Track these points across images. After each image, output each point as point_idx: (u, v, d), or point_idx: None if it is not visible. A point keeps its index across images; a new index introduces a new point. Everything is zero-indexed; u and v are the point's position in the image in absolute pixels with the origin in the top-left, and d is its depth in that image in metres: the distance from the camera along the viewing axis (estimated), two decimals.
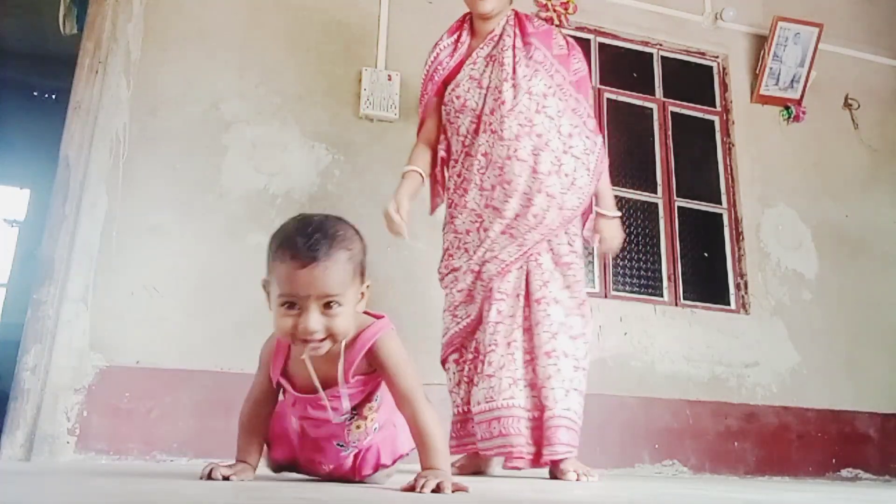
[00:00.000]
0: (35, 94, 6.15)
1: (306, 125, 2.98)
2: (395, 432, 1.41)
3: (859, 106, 3.95)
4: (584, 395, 2.03)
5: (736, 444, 3.19)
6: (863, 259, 3.72)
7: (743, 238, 3.56)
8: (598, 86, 3.61)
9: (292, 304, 1.17)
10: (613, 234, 2.25)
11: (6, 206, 6.25)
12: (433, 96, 2.27)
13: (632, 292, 3.34)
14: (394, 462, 1.42)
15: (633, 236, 3.45)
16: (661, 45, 3.77)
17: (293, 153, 2.93)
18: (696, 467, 3.09)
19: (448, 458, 1.24)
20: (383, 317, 1.32)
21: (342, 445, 1.37)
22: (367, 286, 1.27)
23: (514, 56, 2.13)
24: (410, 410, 1.25)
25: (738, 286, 3.51)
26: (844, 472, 3.33)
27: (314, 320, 1.16)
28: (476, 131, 2.14)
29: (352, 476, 1.40)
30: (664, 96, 3.72)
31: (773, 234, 3.59)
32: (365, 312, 1.31)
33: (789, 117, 3.81)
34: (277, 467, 1.46)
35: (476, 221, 2.12)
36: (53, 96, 6.09)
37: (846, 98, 3.95)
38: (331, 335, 1.19)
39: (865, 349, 3.56)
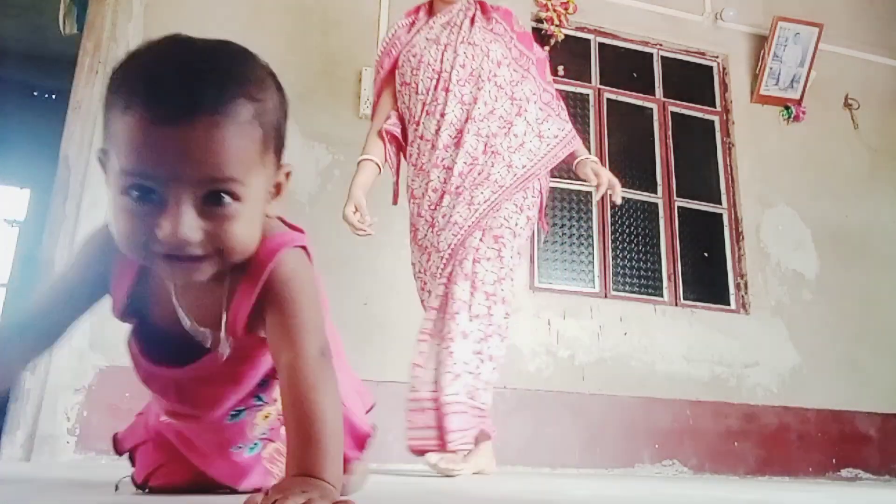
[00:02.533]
0: (35, 94, 6.14)
1: (306, 125, 2.98)
2: (346, 412, 0.91)
3: (859, 106, 3.95)
4: (488, 378, 1.90)
5: (736, 444, 3.18)
6: (863, 259, 3.72)
7: (743, 238, 3.56)
8: (598, 86, 3.61)
9: (147, 191, 0.66)
10: (601, 170, 2.14)
11: (6, 206, 6.24)
12: (388, 72, 2.23)
13: (632, 292, 3.34)
14: (361, 451, 0.98)
15: (633, 236, 3.45)
16: (661, 45, 3.77)
17: (293, 153, 2.93)
18: (696, 467, 3.09)
19: (339, 462, 0.70)
20: (302, 231, 0.84)
21: (240, 448, 0.92)
22: (288, 174, 0.82)
23: (473, 23, 2.16)
24: (293, 377, 0.72)
25: (738, 286, 3.51)
26: (844, 472, 3.33)
27: (188, 224, 0.66)
28: (436, 88, 2.11)
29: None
30: (664, 96, 3.72)
31: (773, 234, 3.59)
32: (282, 221, 0.84)
33: (789, 117, 3.81)
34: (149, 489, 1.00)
35: (430, 182, 2.08)
36: (53, 96, 6.08)
37: (846, 98, 3.95)
38: (218, 251, 0.70)
39: (865, 349, 3.55)
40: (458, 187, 2.02)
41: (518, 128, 2.08)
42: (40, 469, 1.73)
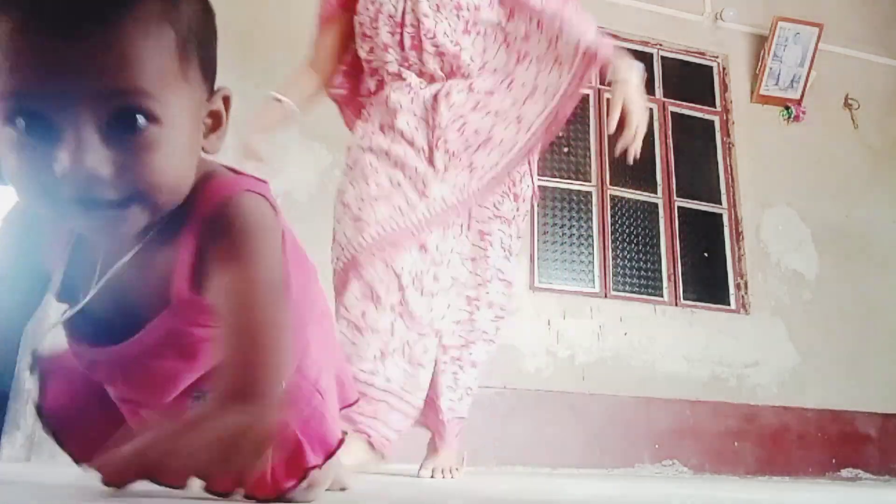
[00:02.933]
0: None
1: (306, 125, 2.98)
2: (320, 405, 0.75)
3: (859, 106, 3.95)
4: (469, 384, 1.70)
5: (736, 444, 3.18)
6: (863, 259, 3.72)
7: (743, 238, 3.56)
8: (598, 86, 3.61)
9: (36, 118, 0.52)
10: (634, 105, 1.72)
11: (6, 206, 6.25)
12: (337, 4, 1.76)
13: (632, 292, 3.34)
14: (326, 459, 0.74)
15: (633, 236, 3.45)
16: (661, 45, 3.77)
17: (293, 153, 2.93)
18: (696, 467, 3.09)
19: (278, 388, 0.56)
20: (264, 182, 0.69)
21: None
22: (226, 98, 0.67)
23: None
24: (235, 356, 0.55)
25: (738, 286, 3.51)
26: (844, 472, 3.33)
27: (92, 153, 0.52)
28: (401, 44, 1.67)
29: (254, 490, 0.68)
30: (664, 96, 3.72)
31: (773, 234, 3.59)
32: (232, 171, 0.68)
33: (789, 117, 3.81)
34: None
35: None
36: None
37: (846, 98, 3.95)
38: (139, 191, 0.55)
39: (865, 349, 3.55)
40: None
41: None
42: (40, 469, 1.73)
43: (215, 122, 0.65)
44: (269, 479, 0.69)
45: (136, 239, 0.61)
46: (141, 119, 0.53)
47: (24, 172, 0.53)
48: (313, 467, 0.71)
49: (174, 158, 0.56)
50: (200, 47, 0.60)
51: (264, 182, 0.68)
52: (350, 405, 0.90)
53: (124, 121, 0.53)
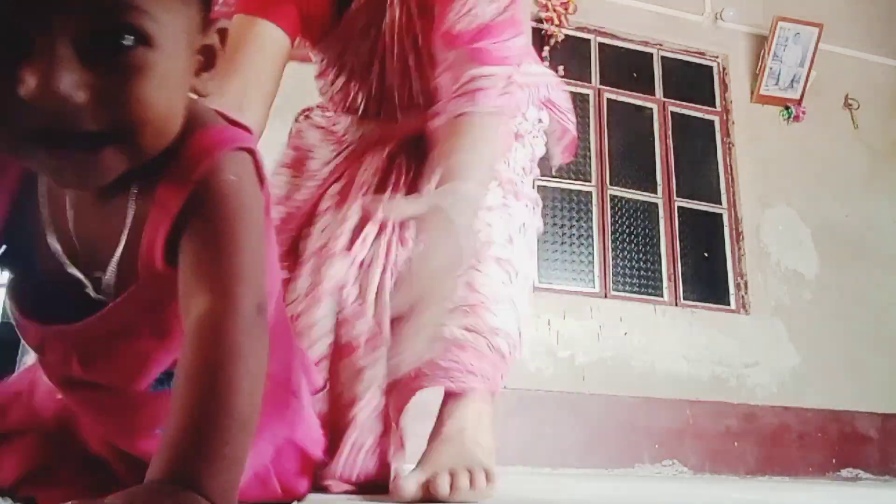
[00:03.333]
0: None
1: None
2: (294, 405, 0.69)
3: (859, 106, 3.95)
4: None
5: (736, 444, 3.18)
6: (863, 259, 3.72)
7: (743, 238, 3.56)
8: (598, 86, 3.61)
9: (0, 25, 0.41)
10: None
11: None
12: None
13: (632, 292, 3.34)
14: (303, 474, 0.70)
15: (633, 236, 3.45)
16: (661, 45, 3.77)
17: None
18: (696, 467, 3.09)
19: (236, 478, 0.43)
20: (249, 130, 0.56)
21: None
22: (223, 32, 0.54)
23: None
24: (208, 333, 0.46)
25: (738, 286, 3.51)
26: (844, 472, 3.33)
27: (67, 73, 0.41)
28: None
29: None
30: (664, 96, 3.72)
31: (773, 234, 3.59)
32: (221, 115, 0.56)
33: (789, 117, 3.81)
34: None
35: None
36: None
37: (846, 98, 3.95)
38: (121, 128, 0.45)
39: (865, 349, 3.55)
40: None
41: None
42: None
43: (209, 58, 0.53)
44: (280, 492, 0.65)
45: (107, 191, 0.49)
46: (129, 38, 0.43)
47: None
48: (300, 494, 0.67)
49: (165, 91, 0.45)
50: None
51: (250, 132, 0.56)
52: (319, 390, 0.85)
53: (109, 38, 0.43)
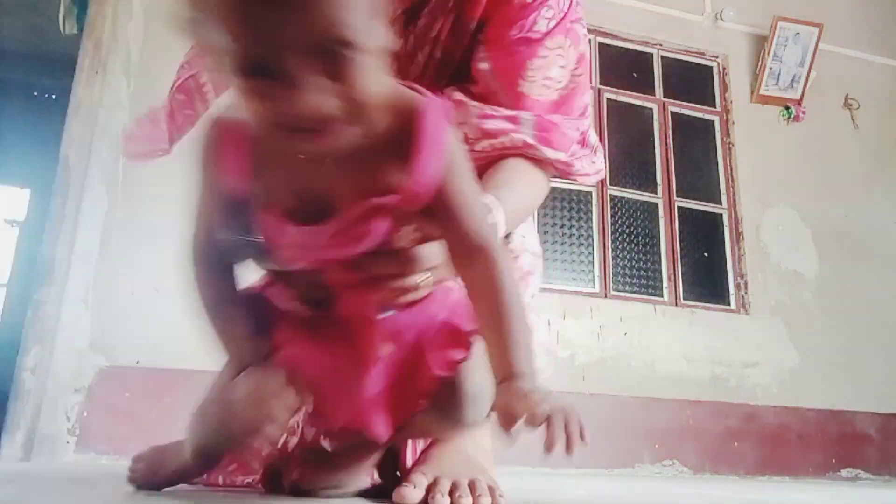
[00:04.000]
0: (35, 94, 6.14)
1: None
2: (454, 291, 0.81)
3: (859, 106, 3.95)
4: None
5: (736, 444, 3.18)
6: (863, 259, 3.72)
7: (743, 238, 3.56)
8: (598, 86, 3.61)
9: (261, 66, 0.58)
10: None
11: (6, 206, 6.24)
12: None
13: (632, 292, 3.34)
14: (466, 340, 0.79)
15: (633, 236, 3.45)
16: (661, 45, 3.77)
17: None
18: (696, 467, 3.09)
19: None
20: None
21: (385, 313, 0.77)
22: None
23: None
24: (482, 263, 0.70)
25: (738, 286, 3.51)
26: (844, 472, 3.33)
27: (312, 95, 0.58)
28: None
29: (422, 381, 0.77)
30: (664, 96, 3.72)
31: (773, 234, 3.59)
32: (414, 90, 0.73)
33: (789, 117, 3.81)
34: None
35: None
36: (53, 96, 6.08)
37: (846, 98, 3.95)
38: (346, 108, 0.61)
39: (865, 349, 3.56)
40: None
41: None
42: (40, 469, 1.73)
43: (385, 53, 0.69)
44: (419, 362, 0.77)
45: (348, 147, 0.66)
46: (347, 52, 0.59)
47: (254, 111, 0.61)
48: (463, 341, 0.79)
49: (372, 80, 0.62)
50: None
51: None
52: None
53: (334, 56, 0.59)
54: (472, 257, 0.71)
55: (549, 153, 1.05)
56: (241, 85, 0.60)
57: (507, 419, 0.67)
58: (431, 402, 0.79)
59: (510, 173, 1.02)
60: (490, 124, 1.02)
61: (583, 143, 1.12)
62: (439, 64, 1.12)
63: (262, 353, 0.78)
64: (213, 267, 0.81)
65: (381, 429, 0.78)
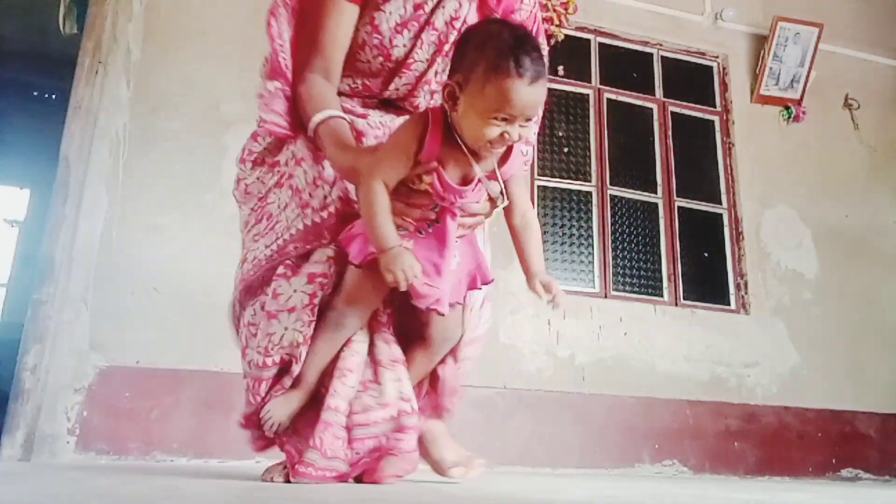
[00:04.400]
0: (35, 94, 6.15)
1: None
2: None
3: (859, 106, 3.95)
4: None
5: (736, 444, 3.18)
6: (863, 259, 3.72)
7: (743, 238, 3.56)
8: (598, 86, 3.61)
9: (506, 117, 1.12)
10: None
11: (6, 206, 6.25)
12: None
13: (632, 292, 3.34)
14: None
15: (633, 236, 3.45)
16: (661, 45, 3.77)
17: None
18: (696, 467, 3.09)
19: None
20: None
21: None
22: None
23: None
24: (530, 215, 1.31)
25: (738, 286, 3.51)
26: (844, 472, 3.33)
27: (518, 130, 1.15)
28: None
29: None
30: (664, 96, 3.72)
31: (773, 234, 3.59)
32: None
33: (789, 117, 3.81)
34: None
35: None
36: (53, 96, 6.09)
37: (846, 98, 3.95)
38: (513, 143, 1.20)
39: (865, 349, 3.56)
40: None
41: None
42: (40, 469, 1.73)
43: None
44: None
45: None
46: (532, 119, 1.18)
47: (488, 134, 1.16)
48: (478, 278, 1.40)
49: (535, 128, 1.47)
50: None
51: None
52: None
53: (528, 119, 1.16)
54: (527, 214, 1.31)
55: None
56: (488, 121, 1.13)
57: (547, 287, 1.22)
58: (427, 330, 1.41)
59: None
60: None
61: None
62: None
63: (398, 240, 1.20)
64: (384, 187, 1.20)
65: (445, 300, 1.28)
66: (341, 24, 1.42)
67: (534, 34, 1.30)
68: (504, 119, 1.12)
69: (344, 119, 1.35)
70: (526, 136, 1.17)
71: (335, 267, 1.33)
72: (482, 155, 1.20)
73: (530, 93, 1.11)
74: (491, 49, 1.11)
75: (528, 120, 1.14)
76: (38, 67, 5.82)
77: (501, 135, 1.13)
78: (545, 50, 1.25)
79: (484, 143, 1.16)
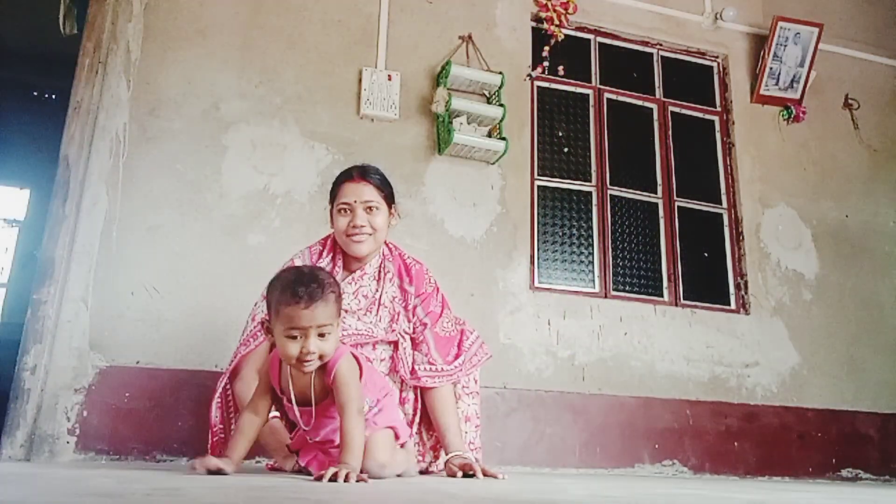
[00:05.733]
0: (35, 94, 6.15)
1: (306, 125, 2.99)
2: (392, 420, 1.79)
3: (859, 106, 3.95)
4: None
5: (736, 444, 3.19)
6: (863, 259, 3.72)
7: (743, 238, 3.56)
8: (598, 86, 3.61)
9: (296, 335, 1.48)
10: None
11: (6, 206, 6.24)
12: None
13: (632, 292, 3.34)
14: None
15: (633, 236, 3.45)
16: (661, 45, 3.77)
17: (293, 153, 2.93)
18: (696, 467, 3.09)
19: (360, 460, 1.47)
20: (347, 345, 1.67)
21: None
22: (342, 318, 1.66)
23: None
24: (343, 416, 1.51)
25: (738, 286, 3.51)
26: (844, 472, 3.33)
27: (312, 345, 1.47)
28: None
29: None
30: (664, 96, 3.73)
31: (773, 234, 3.60)
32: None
33: (789, 117, 3.81)
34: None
35: None
36: (53, 96, 6.09)
37: (846, 98, 3.96)
38: (321, 356, 1.50)
39: (865, 349, 3.56)
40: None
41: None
42: (40, 469, 1.73)
43: (338, 326, 1.57)
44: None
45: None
46: (327, 333, 1.50)
47: (289, 352, 1.49)
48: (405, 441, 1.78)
49: (334, 345, 1.53)
50: (340, 302, 1.57)
51: (349, 346, 1.67)
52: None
53: (322, 333, 1.49)
54: (339, 411, 1.53)
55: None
56: (287, 341, 1.49)
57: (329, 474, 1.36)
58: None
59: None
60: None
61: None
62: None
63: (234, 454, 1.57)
64: (248, 411, 1.62)
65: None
66: None
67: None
68: (294, 336, 1.47)
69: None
70: (323, 349, 1.48)
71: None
72: (301, 370, 1.51)
73: (307, 312, 1.46)
74: (278, 288, 1.51)
75: (322, 336, 1.48)
76: (38, 67, 5.82)
77: (300, 350, 1.47)
78: (330, 281, 1.54)
79: (292, 361, 1.49)
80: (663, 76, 3.75)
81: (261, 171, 2.86)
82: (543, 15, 3.45)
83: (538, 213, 3.30)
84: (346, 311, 1.96)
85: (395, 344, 1.99)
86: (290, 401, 1.57)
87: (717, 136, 3.76)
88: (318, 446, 1.63)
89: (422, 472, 1.99)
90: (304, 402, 1.58)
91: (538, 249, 3.25)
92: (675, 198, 3.56)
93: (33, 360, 2.41)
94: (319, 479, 1.34)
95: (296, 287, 1.47)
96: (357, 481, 1.34)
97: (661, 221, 3.51)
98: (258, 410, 1.59)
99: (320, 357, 1.49)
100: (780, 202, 3.67)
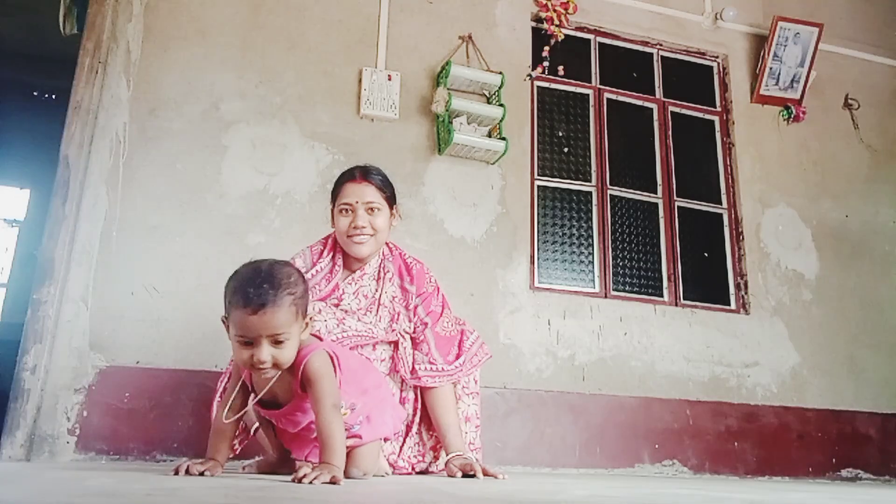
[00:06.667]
0: (35, 94, 6.15)
1: (306, 125, 2.99)
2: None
3: (859, 106, 3.95)
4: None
5: (736, 444, 3.19)
6: (863, 259, 3.72)
7: (743, 238, 3.56)
8: (598, 86, 3.61)
9: (248, 341, 1.37)
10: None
11: (6, 206, 6.24)
12: None
13: (632, 292, 3.34)
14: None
15: (633, 236, 3.45)
16: (661, 45, 3.77)
17: (293, 153, 2.93)
18: (696, 467, 3.09)
19: (343, 458, 1.39)
20: (322, 339, 1.55)
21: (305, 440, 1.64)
22: (310, 318, 1.48)
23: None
24: (319, 418, 1.41)
25: (738, 286, 3.51)
26: (844, 472, 3.33)
27: (264, 353, 1.36)
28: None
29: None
30: (664, 96, 3.73)
31: (773, 234, 3.60)
32: (312, 335, 1.53)
33: (789, 117, 3.81)
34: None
35: None
36: (53, 96, 6.09)
37: (846, 98, 3.96)
38: (276, 364, 1.39)
39: (865, 349, 3.56)
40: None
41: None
42: (40, 469, 1.73)
43: (306, 327, 1.47)
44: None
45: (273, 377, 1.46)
46: (282, 340, 1.38)
47: (239, 357, 1.42)
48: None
49: (291, 352, 1.42)
50: (304, 306, 1.45)
51: (322, 339, 1.56)
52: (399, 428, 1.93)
53: (277, 341, 1.38)
54: (314, 408, 1.46)
55: None
56: (237, 346, 1.40)
57: (307, 476, 1.29)
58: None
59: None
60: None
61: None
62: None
63: (218, 455, 1.52)
64: (222, 410, 1.53)
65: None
66: None
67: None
68: (245, 342, 1.37)
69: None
70: (278, 357, 1.38)
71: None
72: (260, 377, 1.43)
73: (255, 320, 1.34)
74: (230, 287, 1.40)
75: (278, 343, 1.37)
76: (38, 67, 5.82)
77: (250, 356, 1.37)
78: (289, 282, 1.40)
79: (247, 366, 1.40)
80: (663, 76, 3.75)
81: (261, 171, 2.86)
82: (543, 15, 3.45)
83: (538, 213, 3.30)
84: (346, 312, 1.95)
85: (396, 344, 1.99)
86: (257, 400, 1.48)
87: (717, 136, 3.76)
88: (306, 436, 1.57)
89: (422, 472, 2.00)
90: (274, 402, 1.51)
91: (538, 249, 3.25)
92: (675, 198, 3.56)
93: (33, 360, 2.41)
94: (298, 479, 1.25)
95: (246, 289, 1.34)
96: (331, 482, 1.25)
97: (661, 221, 3.51)
98: (231, 405, 1.49)
99: (276, 365, 1.38)
100: (780, 202, 3.67)
